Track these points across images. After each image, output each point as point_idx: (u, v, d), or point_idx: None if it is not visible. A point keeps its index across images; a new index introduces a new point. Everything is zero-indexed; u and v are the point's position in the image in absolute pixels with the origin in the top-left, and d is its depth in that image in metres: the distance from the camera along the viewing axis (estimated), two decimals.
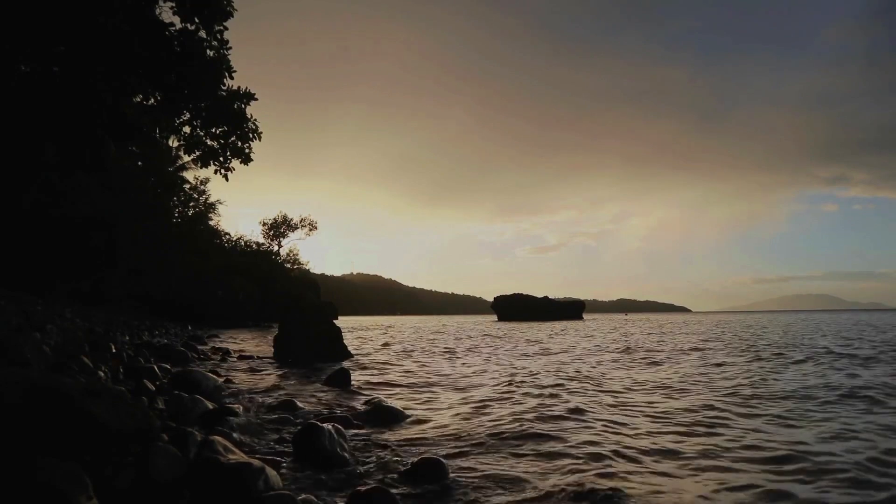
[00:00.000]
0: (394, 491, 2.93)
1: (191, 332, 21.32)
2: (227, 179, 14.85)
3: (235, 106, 13.60)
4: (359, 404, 5.77)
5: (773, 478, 3.40)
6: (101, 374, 5.73)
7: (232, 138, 13.98)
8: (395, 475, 3.29)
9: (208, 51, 10.95)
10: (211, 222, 47.43)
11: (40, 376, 2.90)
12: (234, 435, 3.78)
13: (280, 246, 58.62)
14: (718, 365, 10.25)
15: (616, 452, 3.98)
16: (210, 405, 4.71)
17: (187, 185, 40.79)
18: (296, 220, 58.93)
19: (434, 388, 7.30)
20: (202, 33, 10.62)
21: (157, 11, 9.87)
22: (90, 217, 19.97)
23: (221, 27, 10.85)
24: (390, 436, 4.45)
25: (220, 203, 47.08)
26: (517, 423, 4.95)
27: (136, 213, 25.43)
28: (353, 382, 7.39)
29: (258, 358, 11.93)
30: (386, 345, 17.34)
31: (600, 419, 5.21)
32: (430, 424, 4.95)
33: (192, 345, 13.11)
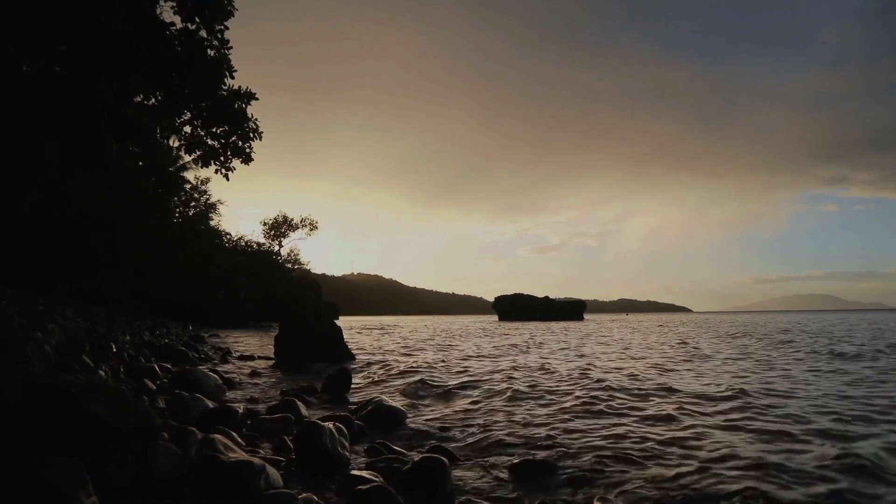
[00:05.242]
0: (395, 490, 2.92)
1: (192, 331, 21.33)
2: (227, 179, 14.88)
3: (236, 105, 13.60)
4: (360, 404, 5.77)
5: None
6: (102, 372, 5.74)
7: (233, 138, 13.98)
8: (397, 474, 3.29)
9: (209, 50, 10.96)
10: (212, 222, 47.48)
11: (41, 374, 2.90)
12: (235, 433, 3.78)
13: (281, 246, 58.76)
14: None
15: None
16: (211, 404, 4.72)
17: (188, 185, 40.86)
18: (296, 220, 59.10)
19: (434, 388, 7.30)
20: (203, 33, 10.62)
21: (158, 11, 9.87)
22: (91, 217, 20.00)
23: (222, 27, 10.84)
24: (391, 435, 4.45)
25: (221, 203, 47.15)
26: (515, 426, 4.95)
27: (137, 213, 25.47)
28: (354, 382, 7.39)
29: (259, 358, 11.94)
30: (387, 344, 17.35)
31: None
32: (432, 424, 4.95)
33: (192, 344, 13.13)
